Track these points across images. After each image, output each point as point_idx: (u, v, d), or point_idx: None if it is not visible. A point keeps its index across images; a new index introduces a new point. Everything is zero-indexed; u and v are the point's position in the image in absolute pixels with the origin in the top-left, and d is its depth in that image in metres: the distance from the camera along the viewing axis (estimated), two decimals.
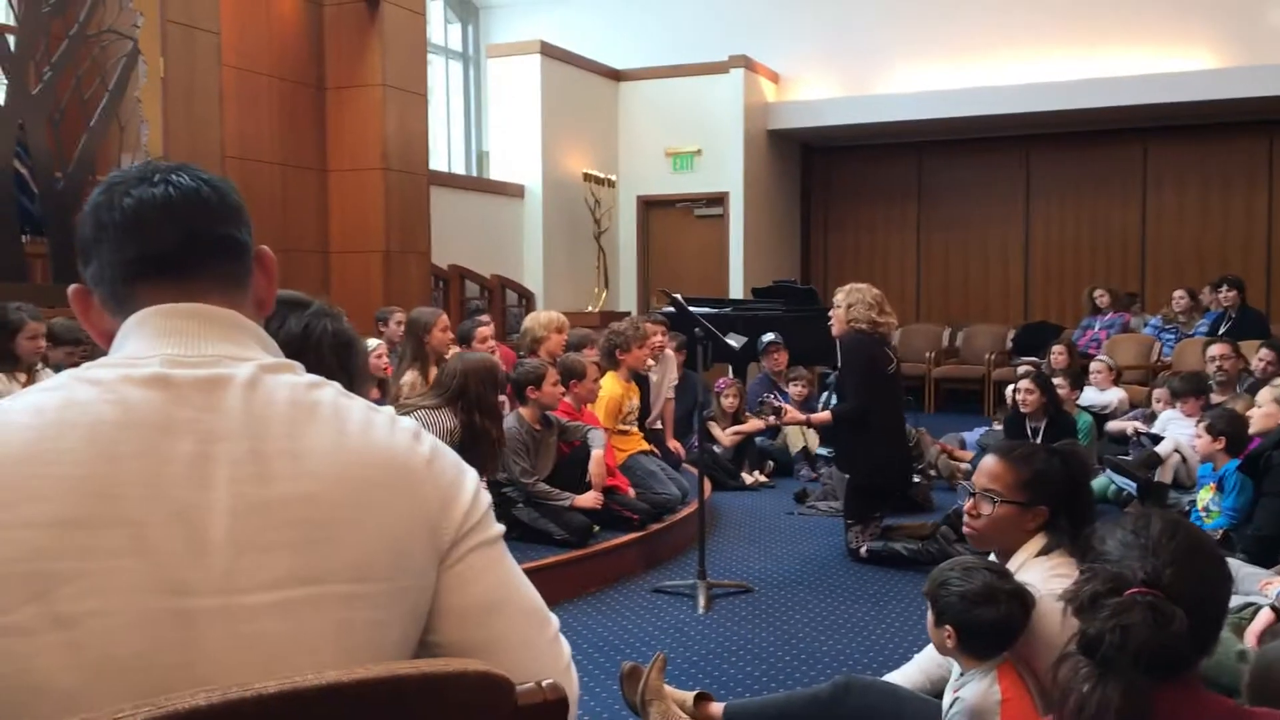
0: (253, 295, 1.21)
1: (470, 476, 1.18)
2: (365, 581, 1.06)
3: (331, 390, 1.14)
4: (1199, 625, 1.62)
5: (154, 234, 1.14)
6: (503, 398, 5.70)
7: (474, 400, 4.65)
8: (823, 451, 7.23)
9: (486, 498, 1.19)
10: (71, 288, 1.19)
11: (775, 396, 6.35)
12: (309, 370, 1.15)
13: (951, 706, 2.57)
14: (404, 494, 1.10)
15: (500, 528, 1.19)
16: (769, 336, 8.25)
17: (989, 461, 2.83)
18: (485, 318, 6.97)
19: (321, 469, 1.06)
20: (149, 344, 1.10)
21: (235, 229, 1.19)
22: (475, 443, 4.52)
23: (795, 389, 8.00)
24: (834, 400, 5.95)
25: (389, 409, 1.18)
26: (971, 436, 8.18)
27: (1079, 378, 7.56)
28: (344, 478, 1.07)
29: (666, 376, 7.55)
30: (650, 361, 7.15)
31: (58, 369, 5.61)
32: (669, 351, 7.57)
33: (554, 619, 1.21)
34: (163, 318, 1.12)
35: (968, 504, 2.83)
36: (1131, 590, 1.61)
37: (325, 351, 1.73)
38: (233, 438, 1.04)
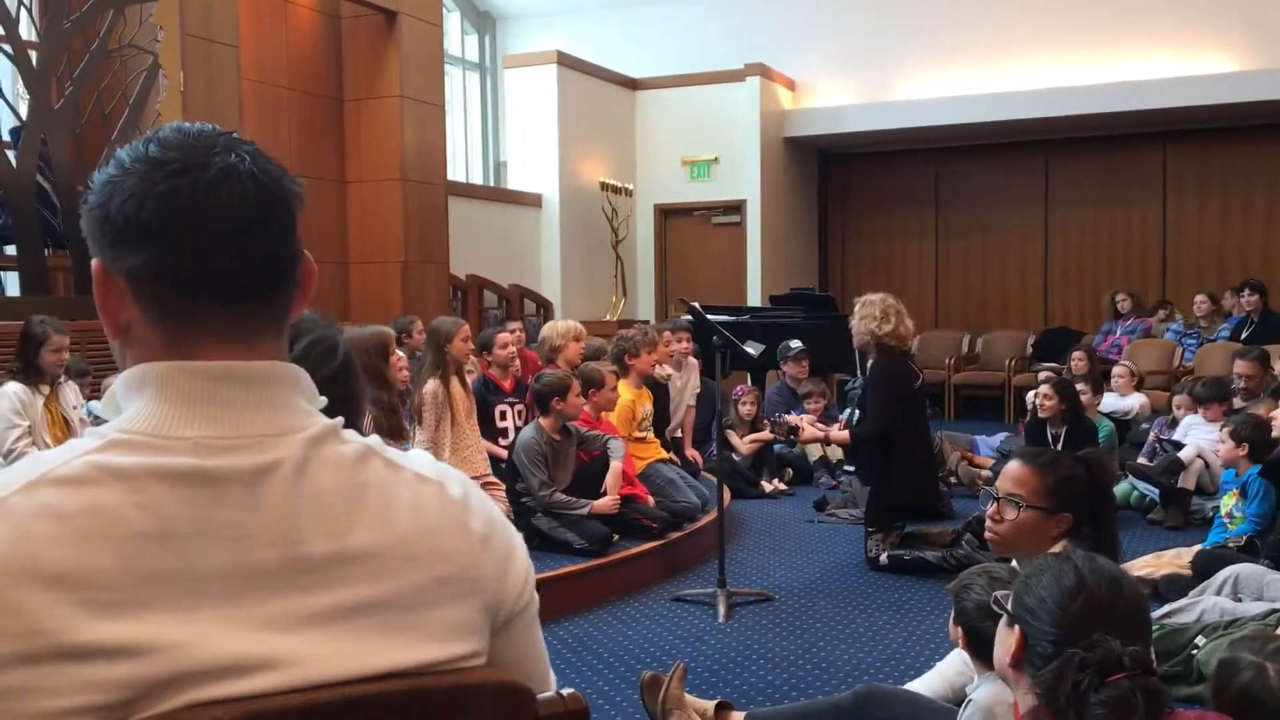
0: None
1: (520, 547, 1.13)
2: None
3: (378, 464, 1.04)
4: None
5: (242, 251, 0.99)
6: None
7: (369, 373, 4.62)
8: (848, 468, 7.18)
9: (532, 570, 1.14)
10: (97, 264, 1.01)
11: (792, 414, 6.29)
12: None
13: (965, 708, 2.56)
14: (464, 587, 1.05)
15: (536, 599, 1.15)
16: (795, 344, 8.18)
17: (1014, 466, 2.82)
18: (515, 324, 6.98)
19: (374, 573, 0.99)
20: (177, 414, 0.96)
21: (299, 238, 1.06)
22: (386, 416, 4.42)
23: (811, 405, 7.85)
24: (857, 415, 5.90)
25: (428, 464, 1.10)
26: (990, 441, 8.14)
27: (1100, 383, 7.52)
28: (400, 581, 1.00)
29: (689, 384, 7.54)
30: (668, 369, 7.15)
31: (78, 373, 5.66)
32: (691, 359, 7.55)
33: (553, 681, 1.19)
34: (194, 379, 0.98)
35: (991, 509, 2.82)
36: (1119, 675, 1.59)
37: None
38: (277, 543, 0.95)
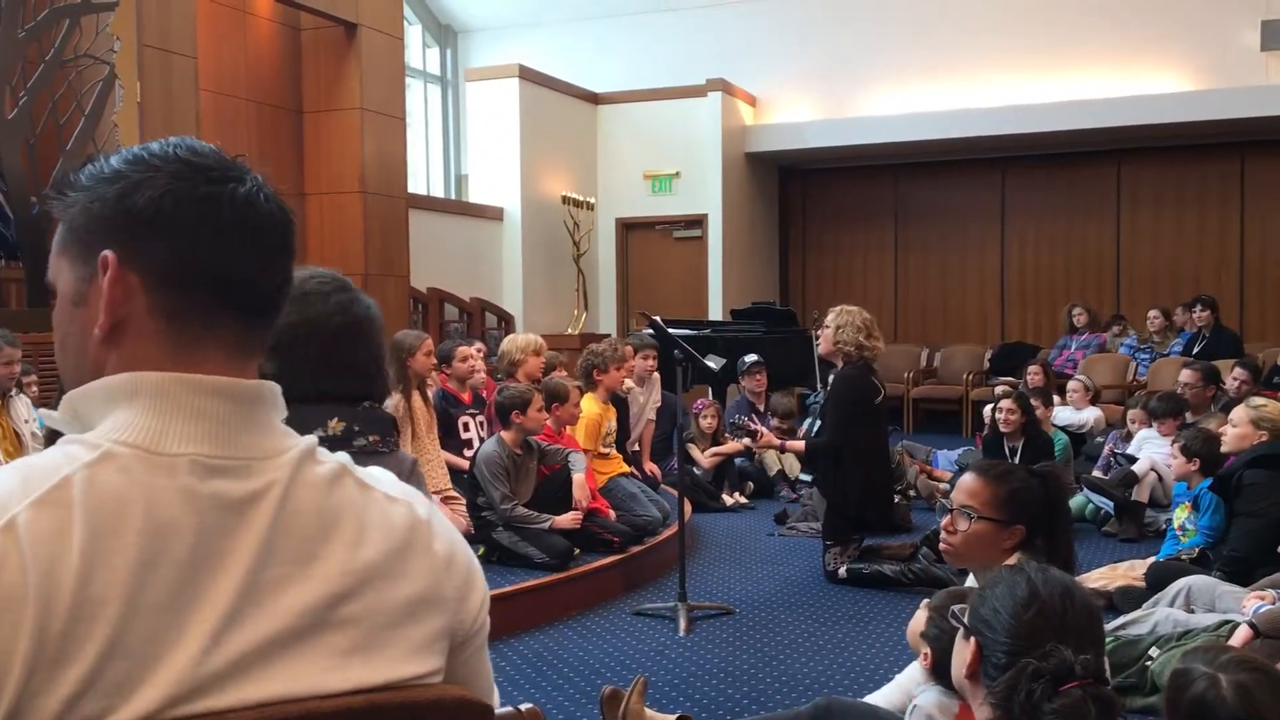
0: None
1: (479, 571, 1.13)
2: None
3: (351, 484, 1.05)
4: None
5: (268, 267, 1.02)
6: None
7: None
8: (804, 477, 7.22)
9: (488, 594, 1.15)
10: (111, 255, 0.98)
11: (752, 419, 6.34)
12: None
13: (910, 713, 2.58)
14: (428, 607, 1.05)
15: (488, 624, 1.15)
16: (751, 357, 8.26)
17: (967, 479, 2.84)
18: (480, 345, 6.96)
19: (345, 593, 1.00)
20: (172, 429, 0.96)
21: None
22: None
23: (775, 424, 7.89)
24: (817, 426, 5.93)
25: (393, 483, 1.10)
26: (949, 454, 8.20)
27: (1051, 397, 7.61)
28: (370, 601, 1.01)
29: (650, 400, 7.56)
30: (630, 384, 7.15)
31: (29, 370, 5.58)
32: (655, 375, 7.57)
33: (496, 700, 1.20)
34: (191, 393, 0.97)
35: (945, 520, 2.84)
36: (1071, 684, 1.61)
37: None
38: (257, 564, 0.96)
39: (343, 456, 1.07)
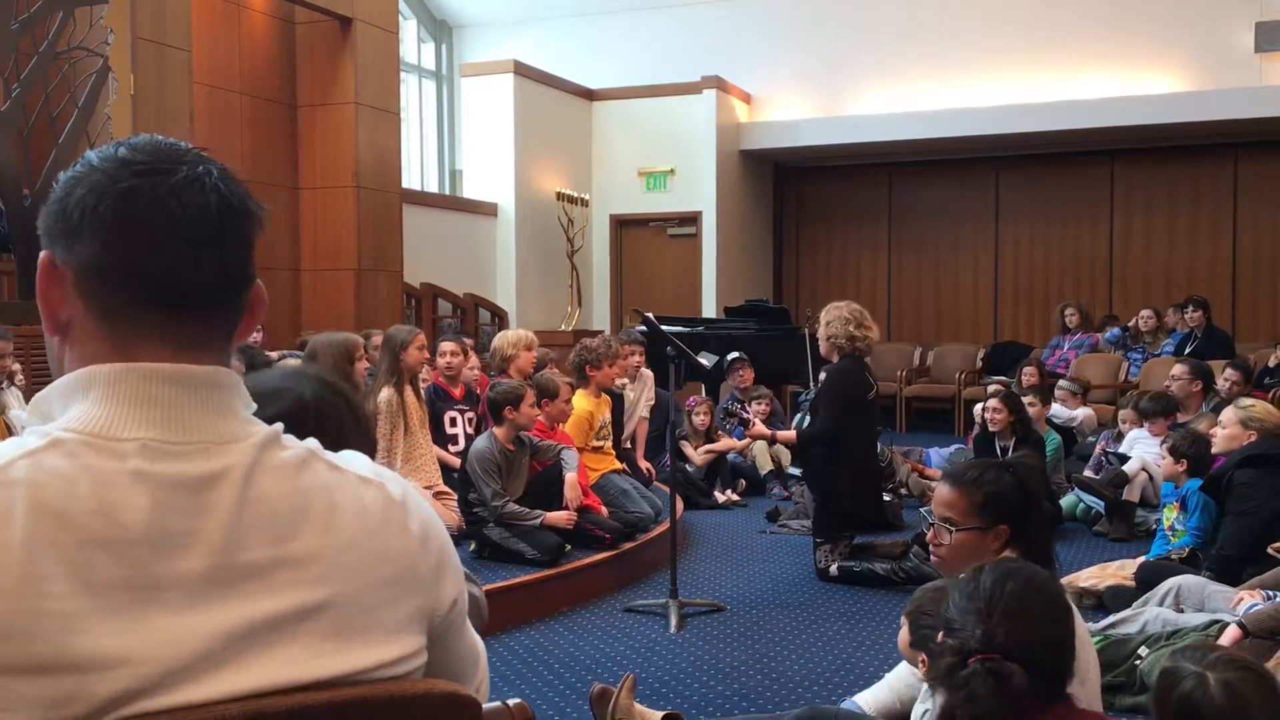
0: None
1: (453, 554, 1.13)
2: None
3: (321, 467, 1.04)
4: (1044, 664, 1.75)
5: (193, 259, 0.99)
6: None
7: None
8: (794, 471, 7.24)
9: (462, 577, 1.15)
10: (45, 255, 1.00)
11: (743, 407, 6.35)
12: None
13: (923, 718, 2.58)
14: (405, 587, 1.05)
15: (465, 603, 1.15)
16: (733, 355, 8.29)
17: (943, 490, 2.80)
18: (469, 341, 6.93)
19: (320, 577, 0.99)
20: (124, 415, 0.95)
21: (253, 261, 1.06)
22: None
23: (757, 407, 7.94)
24: (807, 420, 5.95)
25: (367, 465, 1.09)
26: (943, 452, 8.21)
27: (1048, 396, 7.63)
28: (347, 584, 1.00)
29: (643, 396, 7.56)
30: (623, 380, 7.15)
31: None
32: (646, 371, 7.57)
33: (483, 659, 1.20)
34: (143, 380, 0.97)
35: (929, 534, 2.83)
36: (975, 658, 1.72)
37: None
38: (224, 550, 0.95)
39: (311, 442, 1.06)
